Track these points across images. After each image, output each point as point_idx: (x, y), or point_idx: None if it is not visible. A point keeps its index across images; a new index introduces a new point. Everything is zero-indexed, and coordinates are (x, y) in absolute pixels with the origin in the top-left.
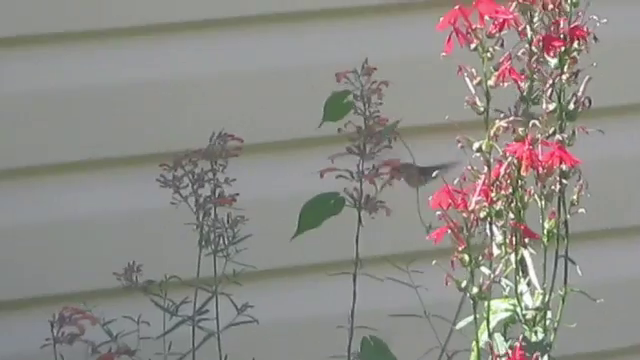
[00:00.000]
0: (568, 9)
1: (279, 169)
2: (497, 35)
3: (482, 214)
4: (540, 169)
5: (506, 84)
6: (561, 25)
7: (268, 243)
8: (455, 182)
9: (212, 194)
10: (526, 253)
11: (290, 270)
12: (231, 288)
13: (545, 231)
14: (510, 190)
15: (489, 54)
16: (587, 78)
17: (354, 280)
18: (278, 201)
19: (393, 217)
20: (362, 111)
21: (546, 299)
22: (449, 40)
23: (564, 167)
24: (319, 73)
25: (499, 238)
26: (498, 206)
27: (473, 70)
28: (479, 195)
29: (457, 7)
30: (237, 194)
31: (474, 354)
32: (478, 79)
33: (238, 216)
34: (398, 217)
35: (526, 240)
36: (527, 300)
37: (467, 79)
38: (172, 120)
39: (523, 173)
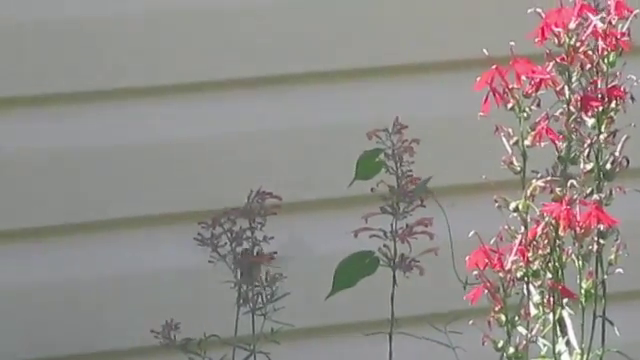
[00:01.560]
0: (605, 69)
1: (314, 228)
2: (534, 95)
3: (519, 274)
4: (578, 229)
5: (543, 144)
6: (599, 85)
7: (306, 301)
8: (492, 242)
9: (250, 252)
10: (565, 313)
11: (327, 329)
12: (269, 346)
13: (583, 291)
14: (547, 250)
15: (526, 114)
16: (625, 138)
17: (390, 339)
18: (314, 259)
19: (431, 276)
20: (394, 170)
21: (584, 359)
22: (486, 100)
23: (602, 227)
24: (353, 131)
25: (536, 298)
26: (535, 266)
27: (510, 130)
28: (515, 255)
29: (494, 67)
30: (275, 252)
31: None
32: (515, 139)
33: (276, 274)
34: (436, 276)
35: (564, 300)
36: None
37: (504, 139)
38: (210, 178)
39: (561, 233)
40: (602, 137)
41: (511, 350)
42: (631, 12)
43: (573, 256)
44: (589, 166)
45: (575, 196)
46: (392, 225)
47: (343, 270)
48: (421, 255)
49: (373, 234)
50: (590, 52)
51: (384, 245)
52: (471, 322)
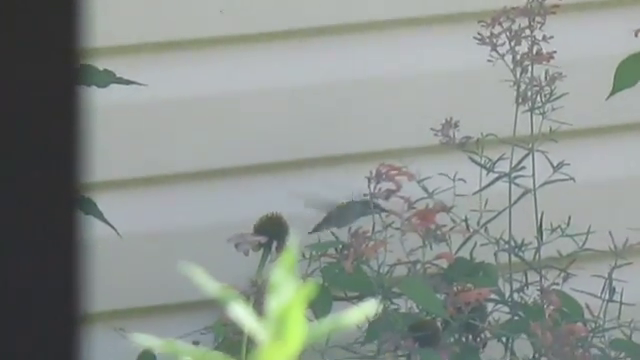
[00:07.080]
0: None
1: (595, 28)
2: None
3: None
4: None
5: None
6: None
7: (585, 102)
8: None
9: (529, 51)
10: None
11: (608, 129)
12: (547, 145)
13: None
14: None
15: None
16: None
17: None
18: (594, 59)
19: None
20: None
21: None
22: None
23: None
24: None
25: None
26: None
27: None
28: None
29: None
30: (555, 51)
31: None
32: None
33: (556, 73)
34: None
35: None
36: None
37: None
38: None
39: None
40: None
41: None
42: None
43: None
44: None
45: None
46: None
47: (623, 69)
48: None
49: None
50: None
51: None
52: None
